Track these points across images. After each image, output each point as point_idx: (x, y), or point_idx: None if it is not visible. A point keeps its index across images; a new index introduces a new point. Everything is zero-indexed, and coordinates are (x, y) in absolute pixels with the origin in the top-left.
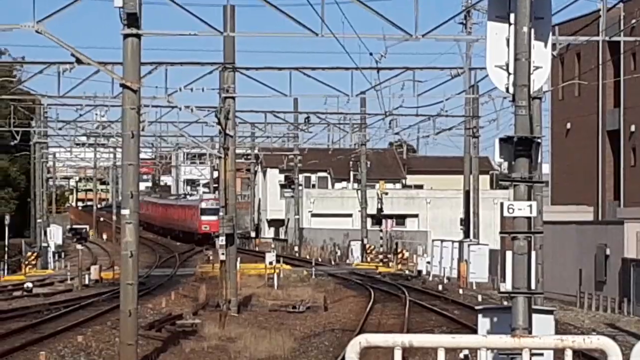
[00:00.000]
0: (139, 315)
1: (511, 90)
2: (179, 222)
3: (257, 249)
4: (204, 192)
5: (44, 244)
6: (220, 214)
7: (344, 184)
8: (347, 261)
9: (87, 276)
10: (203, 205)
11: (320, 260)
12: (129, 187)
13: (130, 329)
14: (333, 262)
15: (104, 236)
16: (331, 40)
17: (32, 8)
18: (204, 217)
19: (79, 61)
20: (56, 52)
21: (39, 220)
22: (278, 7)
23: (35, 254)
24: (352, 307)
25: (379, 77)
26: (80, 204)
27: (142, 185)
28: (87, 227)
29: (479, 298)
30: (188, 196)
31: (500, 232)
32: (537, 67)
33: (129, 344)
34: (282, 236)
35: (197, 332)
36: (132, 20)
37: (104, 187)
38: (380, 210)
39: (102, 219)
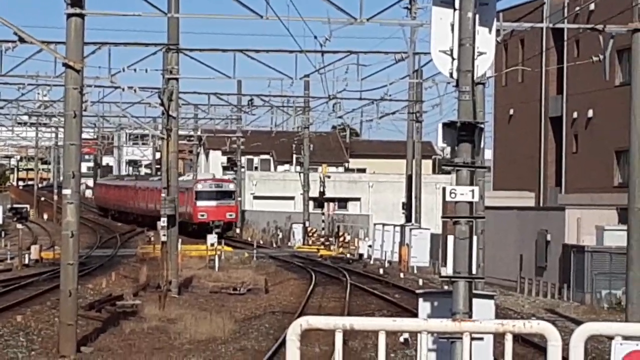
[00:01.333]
0: (79, 296)
1: (455, 75)
2: None
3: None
4: (196, 173)
5: None
6: (163, 195)
7: (286, 166)
8: (289, 244)
9: (27, 256)
10: (199, 187)
11: (261, 242)
12: (71, 167)
13: (70, 309)
14: (274, 245)
15: (45, 216)
16: (276, 23)
17: None
18: (200, 203)
19: (21, 40)
20: None
21: None
22: None
23: None
24: (293, 290)
25: (323, 60)
26: (21, 183)
27: (84, 166)
28: (28, 206)
29: (420, 282)
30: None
31: (442, 217)
32: (481, 53)
33: (69, 324)
34: None
35: (137, 313)
36: None
37: (45, 166)
38: (322, 193)
39: (43, 198)
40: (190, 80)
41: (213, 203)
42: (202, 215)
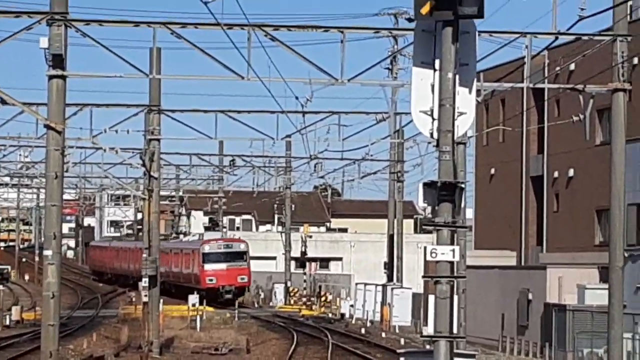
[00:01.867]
0: (60, 357)
1: (435, 135)
2: (170, 273)
3: None
4: (204, 232)
5: None
6: (144, 255)
7: (268, 226)
8: (271, 304)
9: (8, 317)
10: (206, 248)
11: (243, 302)
12: (52, 228)
13: None
14: (256, 305)
15: (26, 277)
16: (257, 84)
17: None
18: (208, 266)
19: (3, 101)
20: None
21: None
22: (204, 50)
23: None
24: (274, 350)
25: (304, 120)
26: (2, 244)
27: (65, 227)
28: (9, 267)
29: (402, 342)
30: (182, 236)
31: (423, 276)
32: (461, 113)
33: None
34: None
35: None
36: (58, 61)
37: (27, 227)
38: (304, 253)
39: (24, 259)
40: (171, 141)
41: (223, 266)
42: (211, 280)
